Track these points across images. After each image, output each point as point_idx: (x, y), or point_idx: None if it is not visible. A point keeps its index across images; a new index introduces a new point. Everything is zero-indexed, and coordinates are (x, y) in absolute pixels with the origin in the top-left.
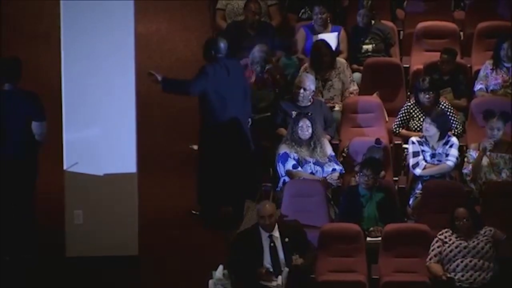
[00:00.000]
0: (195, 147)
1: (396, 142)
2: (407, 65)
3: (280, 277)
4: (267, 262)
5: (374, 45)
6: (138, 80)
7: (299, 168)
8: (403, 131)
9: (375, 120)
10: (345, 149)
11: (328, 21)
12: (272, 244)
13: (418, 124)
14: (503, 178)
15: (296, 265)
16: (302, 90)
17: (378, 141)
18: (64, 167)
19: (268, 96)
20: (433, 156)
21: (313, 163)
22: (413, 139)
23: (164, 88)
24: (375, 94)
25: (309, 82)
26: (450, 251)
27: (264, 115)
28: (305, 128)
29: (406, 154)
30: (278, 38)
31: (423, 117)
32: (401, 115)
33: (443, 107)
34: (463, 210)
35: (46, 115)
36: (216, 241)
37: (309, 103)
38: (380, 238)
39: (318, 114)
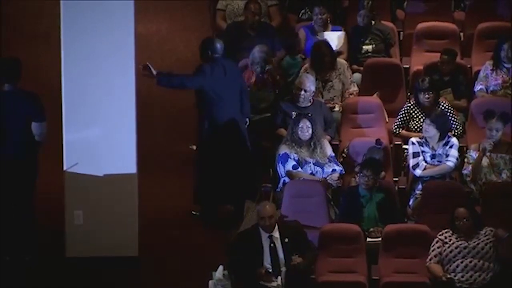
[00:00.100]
0: (195, 147)
1: (396, 142)
2: (407, 66)
3: (279, 277)
4: (267, 262)
5: (374, 45)
6: (138, 80)
7: (299, 169)
8: (403, 132)
9: (375, 121)
10: (345, 150)
11: (328, 21)
12: (272, 245)
13: (418, 125)
14: (503, 178)
15: (294, 265)
16: (302, 92)
17: (378, 141)
18: (64, 168)
19: (268, 96)
20: (433, 156)
21: (313, 164)
22: (413, 139)
23: (160, 82)
24: (375, 95)
25: (310, 83)
26: (450, 252)
27: (264, 115)
28: (305, 129)
29: (406, 155)
30: (279, 39)
31: (423, 117)
32: (401, 116)
33: (443, 107)
34: (463, 210)
35: (46, 115)
36: (216, 241)
37: (309, 104)
38: (380, 239)
39: (318, 115)
